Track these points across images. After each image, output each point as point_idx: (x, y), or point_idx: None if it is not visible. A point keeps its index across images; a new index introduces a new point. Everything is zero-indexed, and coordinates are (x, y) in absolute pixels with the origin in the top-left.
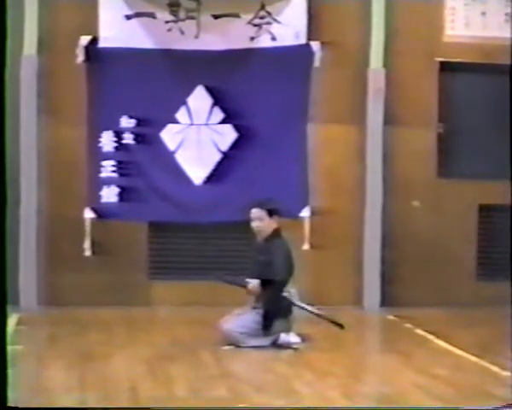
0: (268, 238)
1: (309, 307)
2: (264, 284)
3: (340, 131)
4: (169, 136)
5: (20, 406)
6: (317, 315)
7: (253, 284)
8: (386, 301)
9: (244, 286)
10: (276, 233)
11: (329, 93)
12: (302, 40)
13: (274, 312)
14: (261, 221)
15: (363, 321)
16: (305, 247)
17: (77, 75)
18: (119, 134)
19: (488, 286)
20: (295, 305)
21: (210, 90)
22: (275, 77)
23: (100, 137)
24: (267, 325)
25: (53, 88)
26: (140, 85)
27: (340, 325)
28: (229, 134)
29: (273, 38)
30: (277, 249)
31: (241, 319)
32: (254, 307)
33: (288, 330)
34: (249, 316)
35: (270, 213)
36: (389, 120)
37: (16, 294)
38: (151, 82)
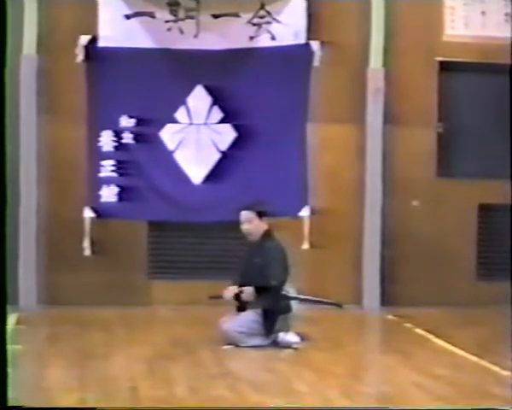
0: (260, 240)
1: (304, 297)
2: (261, 286)
3: (339, 131)
4: (168, 135)
5: (21, 405)
6: (314, 301)
7: (247, 291)
8: (386, 300)
9: (238, 296)
10: (268, 234)
11: (329, 93)
12: (301, 40)
13: (274, 313)
14: (250, 223)
15: (362, 321)
16: (305, 246)
17: (76, 74)
18: (118, 134)
19: (488, 286)
20: (291, 298)
21: (209, 89)
22: (274, 76)
23: (99, 136)
24: (269, 325)
25: (52, 87)
26: (139, 85)
27: (339, 305)
28: (228, 134)
29: (272, 38)
30: (272, 251)
31: (241, 318)
32: (253, 307)
33: (287, 329)
34: (248, 316)
35: (260, 214)
36: (389, 119)
37: (16, 293)
38: (150, 81)
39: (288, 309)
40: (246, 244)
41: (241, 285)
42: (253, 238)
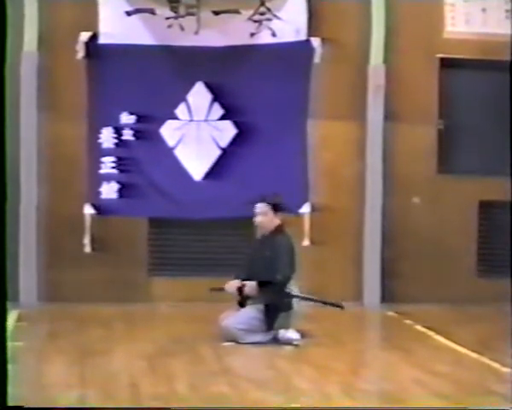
0: (271, 234)
1: (307, 296)
2: (266, 280)
3: (340, 128)
4: (169, 132)
5: (21, 403)
6: (316, 301)
7: (250, 285)
8: (386, 297)
9: (240, 290)
10: (280, 229)
11: (329, 89)
12: (302, 36)
13: (276, 309)
14: (265, 216)
15: (363, 317)
16: (305, 243)
17: (77, 71)
18: (118, 130)
19: (488, 282)
20: (293, 296)
21: (210, 86)
22: (275, 73)
23: (100, 133)
24: (270, 321)
25: (53, 84)
26: (140, 82)
27: (340, 306)
28: (228, 130)
29: (273, 35)
30: (282, 246)
31: (241, 315)
32: (255, 303)
33: (287, 326)
34: (249, 312)
35: (275, 208)
36: (389, 116)
37: (16, 290)
38: (151, 78)
39: (289, 307)
40: (248, 241)
41: (245, 279)
42: (265, 231)
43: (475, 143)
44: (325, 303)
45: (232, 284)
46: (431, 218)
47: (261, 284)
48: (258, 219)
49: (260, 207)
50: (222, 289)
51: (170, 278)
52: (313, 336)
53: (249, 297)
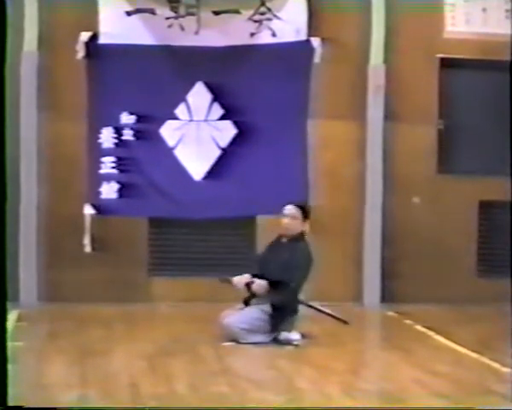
0: (292, 239)
1: (314, 305)
2: (279, 282)
3: (340, 128)
4: (168, 132)
5: (21, 403)
6: (323, 312)
7: (259, 283)
8: (386, 297)
9: (249, 286)
10: (302, 237)
11: (329, 89)
12: (302, 36)
13: (283, 313)
14: (294, 219)
15: (363, 317)
16: None
17: (77, 71)
18: (118, 130)
19: (488, 282)
20: (302, 303)
21: (209, 86)
22: (275, 73)
23: (100, 133)
24: (275, 323)
25: (53, 84)
26: (140, 81)
27: (345, 322)
28: (228, 130)
29: (273, 34)
30: (302, 251)
31: (244, 314)
32: (260, 303)
33: (290, 330)
34: (252, 312)
35: (305, 214)
36: (389, 116)
37: (16, 290)
38: (151, 78)
39: (295, 312)
40: (248, 241)
41: (256, 276)
42: (289, 233)
43: (475, 143)
44: (331, 316)
45: (241, 279)
46: (431, 218)
47: (271, 285)
48: (286, 221)
49: (290, 209)
50: (230, 282)
51: (170, 278)
52: (314, 337)
53: (255, 296)
